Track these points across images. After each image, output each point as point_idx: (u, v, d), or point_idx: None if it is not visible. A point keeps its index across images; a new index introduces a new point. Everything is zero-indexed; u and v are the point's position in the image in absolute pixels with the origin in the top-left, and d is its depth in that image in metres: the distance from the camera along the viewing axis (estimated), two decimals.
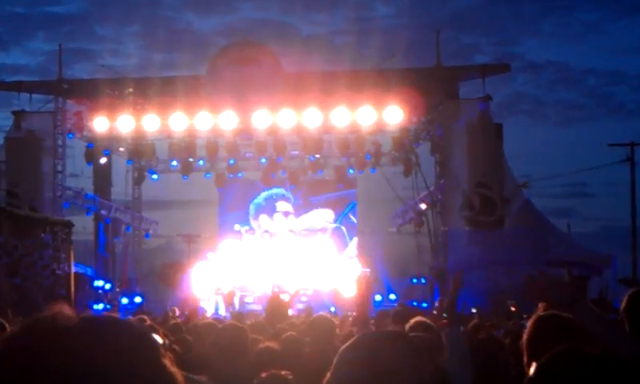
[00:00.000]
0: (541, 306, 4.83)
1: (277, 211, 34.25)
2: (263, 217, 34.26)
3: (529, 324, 4.11)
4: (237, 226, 33.32)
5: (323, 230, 32.90)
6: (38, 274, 21.46)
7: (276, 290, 26.34)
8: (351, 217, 34.95)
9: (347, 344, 2.49)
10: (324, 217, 33.80)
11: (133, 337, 1.49)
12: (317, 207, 34.43)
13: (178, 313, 24.65)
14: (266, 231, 33.00)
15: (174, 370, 1.50)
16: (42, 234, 22.06)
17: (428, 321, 7.60)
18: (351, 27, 66.24)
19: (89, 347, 1.41)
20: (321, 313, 9.60)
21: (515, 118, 68.86)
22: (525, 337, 4.03)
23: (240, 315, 14.48)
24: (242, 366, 6.33)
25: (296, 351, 7.06)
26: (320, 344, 7.18)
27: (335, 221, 34.59)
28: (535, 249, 25.57)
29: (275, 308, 9.46)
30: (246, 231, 32.99)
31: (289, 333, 7.64)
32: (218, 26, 72.34)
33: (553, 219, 30.75)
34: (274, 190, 34.24)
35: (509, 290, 24.44)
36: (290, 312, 22.60)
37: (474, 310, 16.34)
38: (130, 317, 14.66)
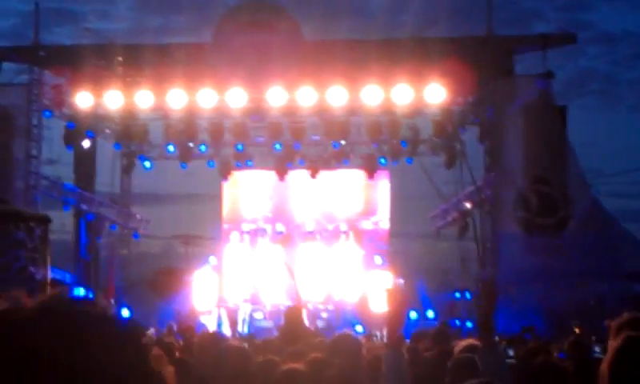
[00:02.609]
0: (612, 326, 4.95)
1: None
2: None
3: (611, 347, 3.99)
4: (244, 226, 33.48)
5: (346, 232, 32.97)
6: (14, 278, 21.57)
7: (290, 303, 26.47)
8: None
9: None
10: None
11: (112, 331, 1.62)
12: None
13: (175, 328, 24.95)
14: (280, 232, 33.14)
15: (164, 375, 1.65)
16: (16, 231, 22.19)
17: (478, 343, 7.76)
18: None
19: (54, 342, 1.54)
20: (344, 331, 9.71)
21: (583, 100, 68.53)
22: (606, 363, 3.91)
23: (250, 339, 14.58)
24: None
25: (322, 376, 7.19)
26: (345, 368, 7.32)
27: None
28: (604, 259, 25.57)
29: (294, 323, 9.56)
30: (255, 231, 33.14)
31: (314, 354, 7.75)
32: None
33: (627, 223, 30.67)
34: None
35: (572, 307, 24.52)
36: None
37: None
38: None
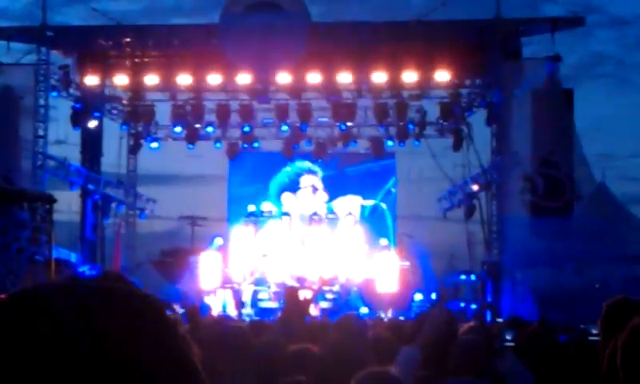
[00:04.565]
0: (604, 307, 4.89)
1: (300, 188, 34.33)
2: (286, 195, 34.31)
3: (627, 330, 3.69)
4: (250, 207, 33.43)
5: (350, 215, 32.92)
6: (13, 259, 21.58)
7: (296, 284, 26.44)
8: (393, 190, 34.81)
9: None
10: (351, 204, 33.70)
11: (145, 309, 1.49)
12: (352, 180, 34.40)
13: (179, 310, 24.91)
14: (286, 213, 33.06)
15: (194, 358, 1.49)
16: (18, 211, 22.16)
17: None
18: None
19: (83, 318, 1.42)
20: (349, 313, 9.65)
21: (593, 83, 68.12)
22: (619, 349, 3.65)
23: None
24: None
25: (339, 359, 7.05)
26: (350, 347, 7.23)
27: (374, 197, 34.51)
28: (610, 243, 25.48)
29: (292, 305, 9.53)
30: (263, 213, 33.12)
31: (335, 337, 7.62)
32: None
33: (634, 207, 30.65)
34: (297, 164, 34.28)
35: (579, 290, 24.45)
36: (314, 312, 22.76)
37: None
38: None
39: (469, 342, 7.23)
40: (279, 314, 16.10)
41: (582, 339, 9.77)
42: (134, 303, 1.47)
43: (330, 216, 32.77)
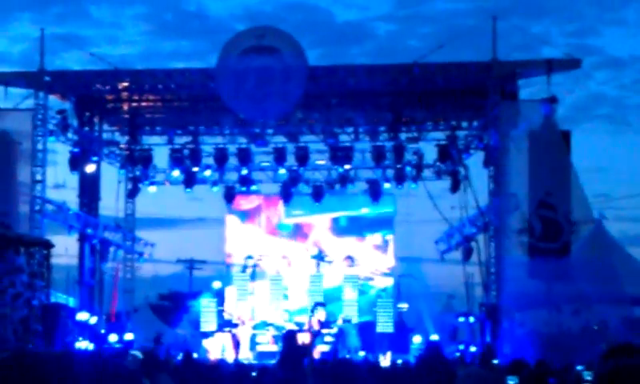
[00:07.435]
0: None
1: (297, 231, 34.40)
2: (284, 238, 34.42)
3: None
4: (248, 251, 33.43)
5: (347, 259, 32.98)
6: (8, 304, 21.52)
7: (294, 327, 26.41)
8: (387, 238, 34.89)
9: None
10: (347, 247, 33.80)
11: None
12: (349, 223, 34.52)
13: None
14: (285, 256, 33.08)
15: None
16: (14, 256, 22.11)
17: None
18: (395, 13, 66.28)
19: None
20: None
21: (591, 124, 68.31)
22: None
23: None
24: None
25: None
26: None
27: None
28: (608, 284, 25.42)
29: (291, 349, 9.48)
30: (262, 256, 33.12)
31: None
32: (236, 8, 72.53)
33: (632, 248, 30.51)
34: (292, 207, 34.32)
35: (578, 332, 24.40)
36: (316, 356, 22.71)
37: None
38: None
39: None
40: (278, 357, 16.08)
41: (578, 381, 9.77)
42: None
43: (328, 259, 32.78)
